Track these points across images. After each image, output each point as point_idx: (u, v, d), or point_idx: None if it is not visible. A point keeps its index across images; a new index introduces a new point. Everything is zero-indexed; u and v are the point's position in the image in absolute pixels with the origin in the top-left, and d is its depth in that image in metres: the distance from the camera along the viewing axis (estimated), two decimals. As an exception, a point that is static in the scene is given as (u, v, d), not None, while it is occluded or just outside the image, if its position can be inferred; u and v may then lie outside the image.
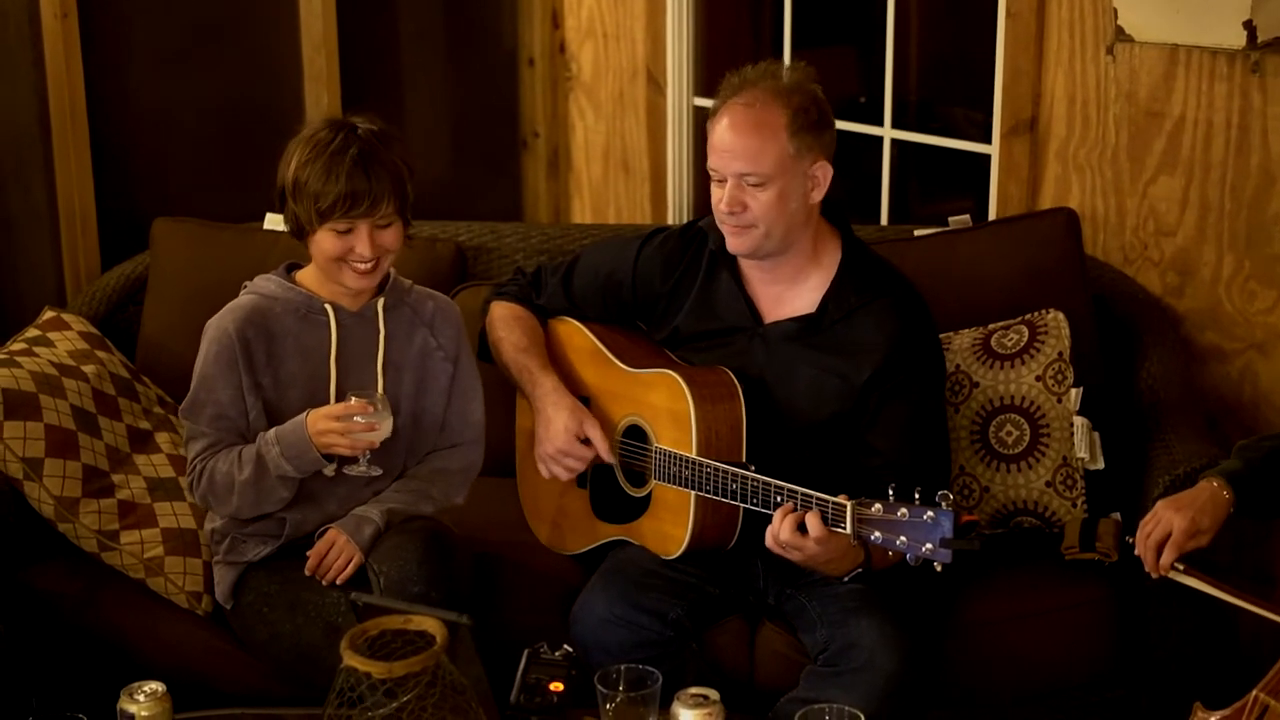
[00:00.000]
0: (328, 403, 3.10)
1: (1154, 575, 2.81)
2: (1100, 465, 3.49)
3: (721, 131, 3.09)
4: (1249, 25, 3.38)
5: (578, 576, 3.31)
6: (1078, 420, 3.47)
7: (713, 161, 3.12)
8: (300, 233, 3.09)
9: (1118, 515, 3.43)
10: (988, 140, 4.20)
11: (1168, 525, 2.78)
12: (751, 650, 3.22)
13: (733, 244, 3.15)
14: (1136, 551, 2.82)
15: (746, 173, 3.06)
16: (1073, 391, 3.49)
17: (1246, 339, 3.73)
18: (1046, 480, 3.44)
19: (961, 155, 4.36)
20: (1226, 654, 3.47)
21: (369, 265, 3.08)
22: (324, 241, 3.06)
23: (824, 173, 3.11)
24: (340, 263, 3.08)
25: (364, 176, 3.01)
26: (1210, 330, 3.80)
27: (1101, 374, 3.63)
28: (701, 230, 3.31)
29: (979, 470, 3.47)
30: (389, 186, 3.04)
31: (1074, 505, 3.44)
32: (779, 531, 2.87)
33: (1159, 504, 2.83)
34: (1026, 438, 3.45)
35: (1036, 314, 3.55)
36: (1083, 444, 3.46)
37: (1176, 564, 2.78)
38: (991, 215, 4.14)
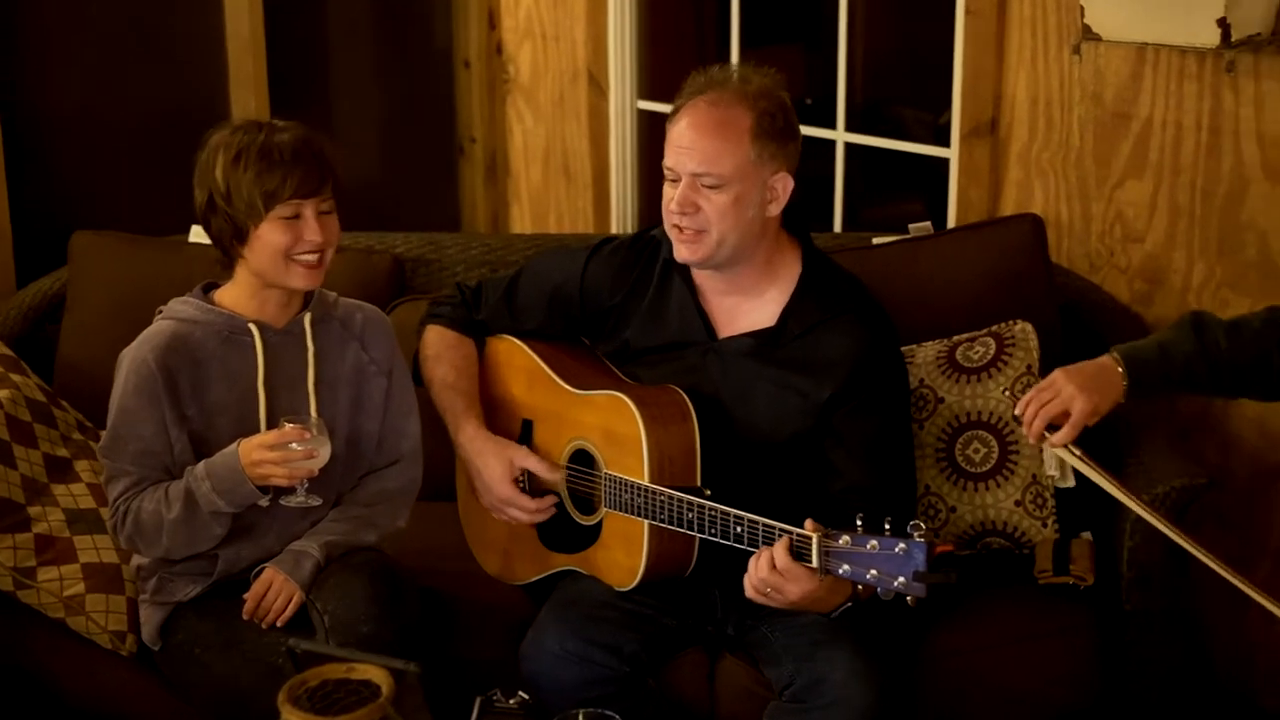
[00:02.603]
0: (258, 430, 2.94)
1: (1033, 443, 2.80)
2: (1071, 483, 3.32)
3: (682, 129, 2.95)
4: (1223, 23, 3.26)
5: (528, 608, 3.15)
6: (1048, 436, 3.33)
7: (669, 159, 2.97)
8: (236, 236, 2.91)
9: (1089, 535, 3.32)
10: (943, 143, 4.09)
11: (1067, 401, 2.70)
12: (712, 685, 3.06)
13: (681, 252, 3.00)
14: (1018, 411, 2.75)
15: (703, 173, 2.92)
16: (1031, 388, 3.36)
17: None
18: (1016, 499, 3.30)
19: (910, 159, 4.25)
20: (1203, 682, 3.37)
21: (317, 256, 2.92)
22: (270, 236, 2.89)
23: (784, 185, 2.97)
24: (286, 260, 2.91)
25: (307, 154, 2.89)
26: (1181, 340, 3.67)
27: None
28: (654, 239, 3.16)
29: (945, 489, 3.33)
30: (329, 168, 2.92)
31: (1044, 525, 3.31)
32: (758, 572, 2.71)
33: (1059, 374, 2.74)
34: (995, 455, 3.32)
35: (1003, 325, 3.42)
36: (1052, 461, 3.31)
37: (1072, 447, 2.72)
38: (951, 221, 4.02)
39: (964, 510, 3.32)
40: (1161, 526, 2.69)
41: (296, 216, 2.89)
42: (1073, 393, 2.69)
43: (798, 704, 2.86)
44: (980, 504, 3.32)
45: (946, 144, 4.06)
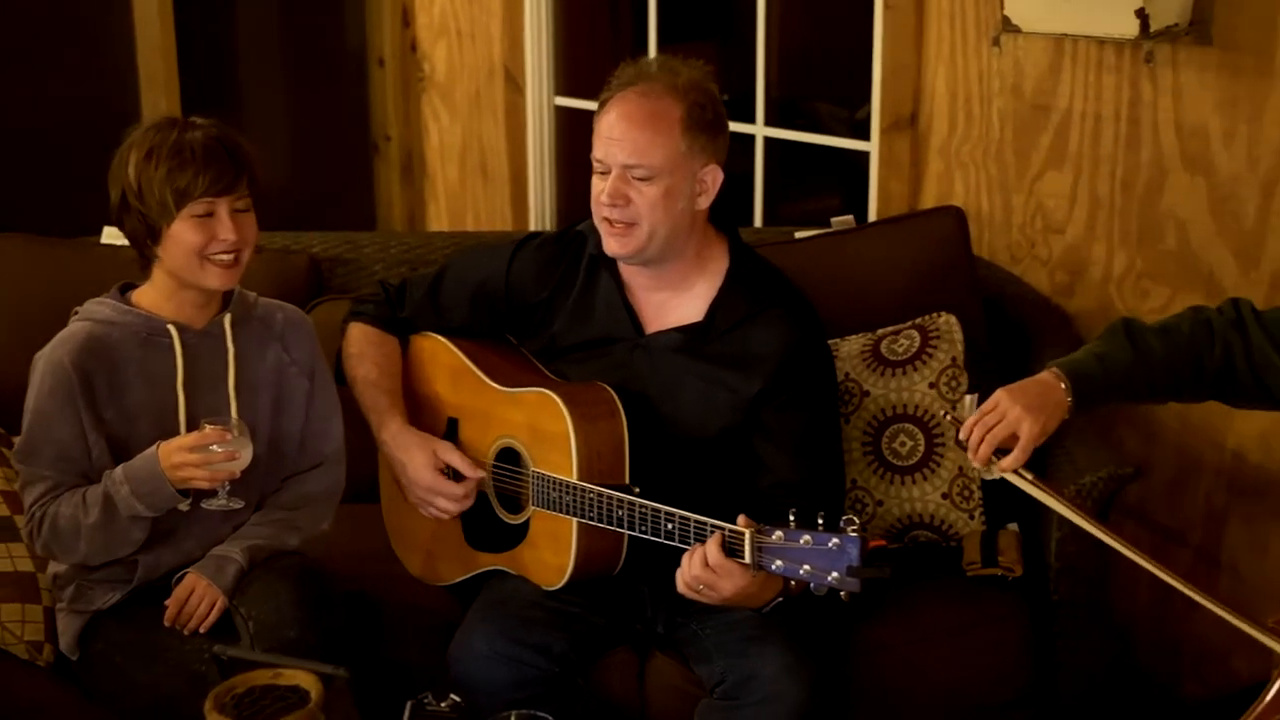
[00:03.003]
0: (178, 433, 2.87)
1: (980, 469, 2.65)
2: (996, 475, 3.34)
3: (612, 120, 2.92)
4: (1141, 14, 3.26)
5: (455, 610, 3.11)
6: (973, 428, 3.33)
7: (598, 151, 2.94)
8: (150, 235, 2.85)
9: (1015, 526, 3.33)
10: (860, 137, 4.09)
11: (1014, 424, 2.58)
12: (642, 683, 3.03)
13: (611, 246, 2.97)
14: (962, 436, 2.63)
15: (634, 164, 2.89)
16: (967, 398, 3.31)
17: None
18: (943, 492, 3.30)
19: (825, 153, 4.25)
20: (1127, 671, 3.38)
21: (233, 256, 2.87)
22: (183, 234, 2.83)
23: (714, 178, 2.96)
24: (201, 259, 2.85)
25: (220, 151, 2.84)
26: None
27: (994, 379, 3.48)
28: (580, 234, 3.12)
29: (872, 483, 3.32)
30: (244, 165, 2.87)
31: (971, 517, 3.31)
32: (691, 569, 2.69)
33: (1002, 396, 2.63)
34: (921, 448, 3.31)
35: (928, 318, 3.41)
36: (981, 455, 3.32)
37: (1022, 471, 2.60)
38: (872, 215, 4.01)
39: (891, 504, 3.32)
40: (1122, 548, 2.59)
41: (209, 215, 2.84)
42: (1019, 414, 2.59)
43: (729, 701, 2.84)
44: (907, 497, 3.31)
45: (863, 138, 4.06)
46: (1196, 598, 2.48)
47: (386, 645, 3.07)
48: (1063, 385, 2.62)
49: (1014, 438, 2.59)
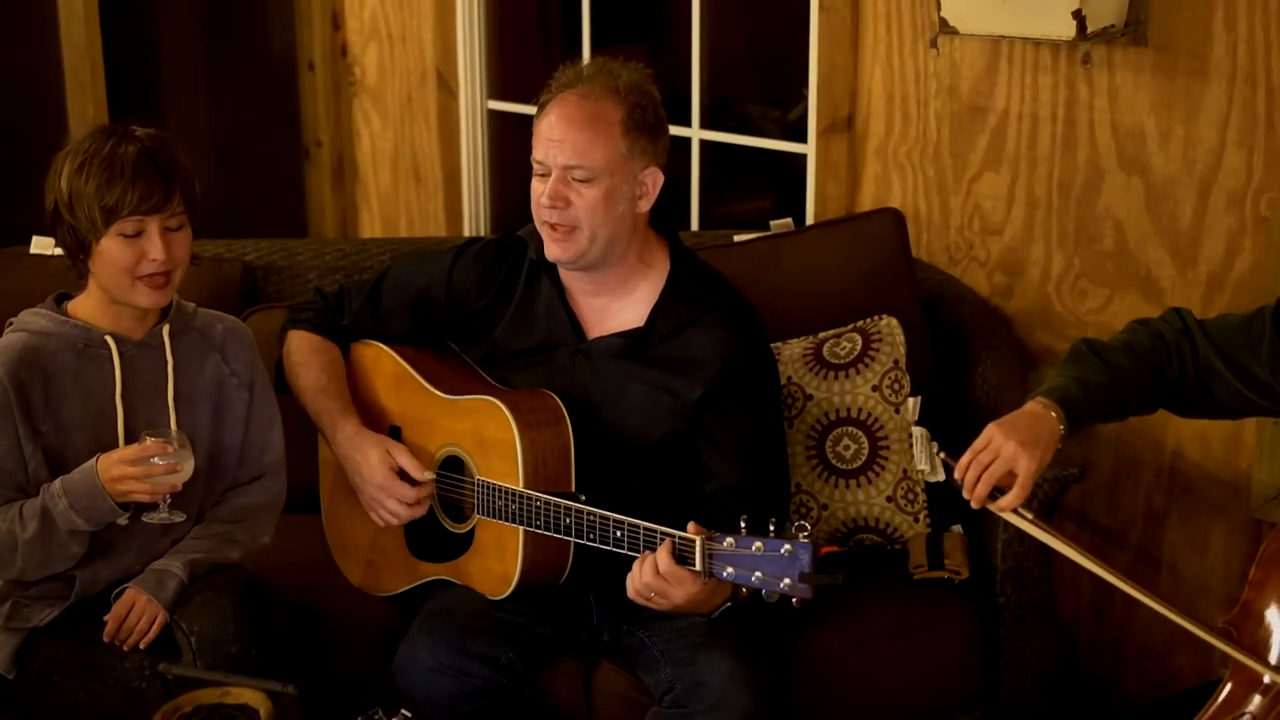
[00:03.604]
0: (115, 445, 2.83)
1: (975, 507, 2.53)
2: (940, 477, 3.33)
3: (552, 122, 2.90)
4: (1078, 15, 3.26)
5: (396, 621, 3.07)
6: (916, 431, 3.32)
7: (538, 153, 2.92)
8: (80, 249, 2.79)
9: (959, 528, 3.32)
10: (793, 138, 4.09)
11: (1010, 461, 2.47)
12: (589, 693, 3.01)
13: (553, 250, 2.95)
14: (957, 476, 2.53)
15: (574, 165, 2.87)
16: (910, 401, 3.35)
17: (1078, 339, 3.62)
18: (887, 495, 3.29)
19: (757, 156, 4.24)
20: (1070, 671, 3.39)
21: (163, 276, 2.81)
22: (111, 252, 2.77)
23: (654, 180, 2.94)
24: (131, 277, 2.80)
25: (151, 168, 2.77)
26: (1041, 331, 3.69)
27: (934, 381, 3.49)
28: (521, 239, 3.10)
29: (817, 487, 3.31)
30: (177, 182, 2.80)
31: (916, 520, 3.30)
32: (642, 577, 2.67)
33: (995, 431, 2.50)
34: (865, 451, 3.30)
35: (869, 320, 3.41)
36: (923, 456, 3.30)
37: (1022, 510, 2.50)
38: (810, 218, 4.00)
39: (836, 507, 3.31)
40: (1132, 590, 2.50)
41: (139, 234, 2.78)
42: (1014, 451, 2.47)
43: (679, 709, 2.81)
44: (852, 501, 3.30)
45: (797, 139, 4.05)
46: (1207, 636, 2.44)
47: (328, 658, 3.04)
48: (1054, 414, 2.52)
49: (1010, 475, 2.49)
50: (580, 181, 2.88)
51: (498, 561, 2.94)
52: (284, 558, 3.16)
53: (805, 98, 4.00)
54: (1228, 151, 3.32)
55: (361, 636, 3.09)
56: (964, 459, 2.52)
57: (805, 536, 2.51)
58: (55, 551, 2.80)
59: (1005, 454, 2.48)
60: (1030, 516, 2.52)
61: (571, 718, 2.99)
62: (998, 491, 2.50)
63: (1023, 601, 3.15)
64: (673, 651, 2.87)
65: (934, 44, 3.65)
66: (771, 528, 2.55)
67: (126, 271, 2.79)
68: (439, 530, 3.06)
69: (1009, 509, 2.50)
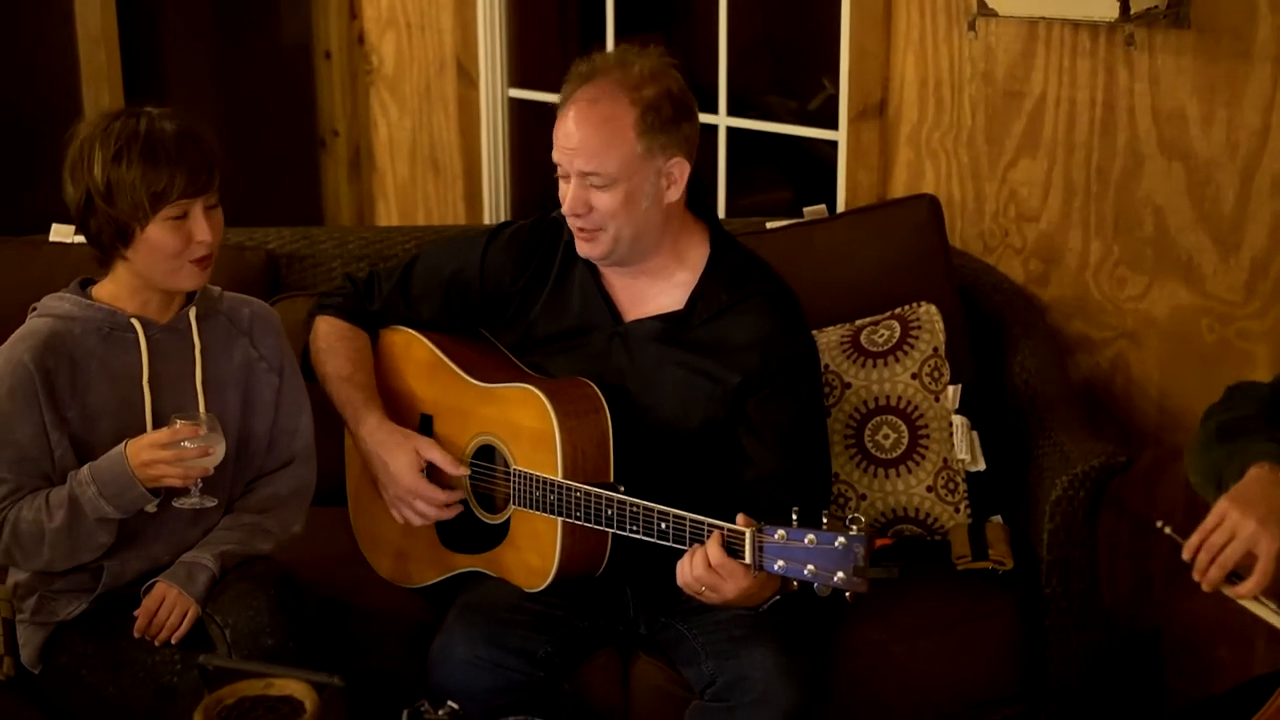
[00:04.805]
0: (143, 431, 2.75)
1: (1208, 591, 2.29)
2: (981, 466, 3.30)
3: (568, 129, 2.84)
4: (1122, -4, 3.21)
5: (427, 614, 3.01)
6: (956, 419, 3.28)
7: (556, 156, 2.87)
8: (120, 239, 2.71)
9: (1000, 519, 3.26)
10: (812, 125, 4.04)
11: (1249, 542, 2.23)
12: (626, 686, 2.95)
13: (582, 249, 2.92)
14: (1186, 557, 2.28)
15: (590, 172, 2.82)
16: (950, 389, 3.29)
17: (1117, 327, 3.58)
18: (928, 485, 3.23)
19: (778, 143, 4.19)
20: (1115, 664, 3.33)
21: (208, 253, 2.75)
22: (159, 238, 2.70)
23: (681, 170, 2.87)
24: (178, 261, 2.73)
25: (193, 148, 2.70)
26: (1078, 319, 3.64)
27: (972, 370, 3.43)
28: (555, 222, 3.04)
29: (855, 477, 3.25)
30: (216, 160, 2.74)
31: (957, 510, 3.24)
32: (693, 570, 2.60)
33: (1229, 508, 2.25)
34: (905, 440, 3.25)
35: (907, 308, 3.35)
36: (963, 445, 3.26)
37: (1264, 598, 2.26)
38: (840, 205, 3.94)
39: (874, 497, 3.25)
40: None
41: (184, 216, 2.71)
42: (1253, 530, 2.22)
43: (721, 703, 2.76)
44: (891, 491, 3.24)
45: (817, 127, 4.01)
46: None
47: (360, 652, 2.96)
48: None
49: (1249, 556, 2.25)
50: (598, 187, 2.82)
51: (535, 553, 2.88)
52: (311, 550, 3.09)
53: (825, 87, 3.95)
54: (1272, 135, 3.26)
55: (393, 630, 3.01)
56: (1193, 539, 2.29)
57: (859, 529, 2.45)
58: (83, 541, 2.73)
59: (1243, 534, 2.24)
60: (1274, 606, 2.28)
61: (609, 711, 2.93)
62: (1234, 575, 2.28)
63: (1069, 592, 3.09)
64: (714, 645, 2.81)
65: (972, 26, 3.59)
66: (825, 520, 2.48)
67: (174, 256, 2.72)
68: (472, 521, 3.00)
69: (1249, 596, 2.27)
